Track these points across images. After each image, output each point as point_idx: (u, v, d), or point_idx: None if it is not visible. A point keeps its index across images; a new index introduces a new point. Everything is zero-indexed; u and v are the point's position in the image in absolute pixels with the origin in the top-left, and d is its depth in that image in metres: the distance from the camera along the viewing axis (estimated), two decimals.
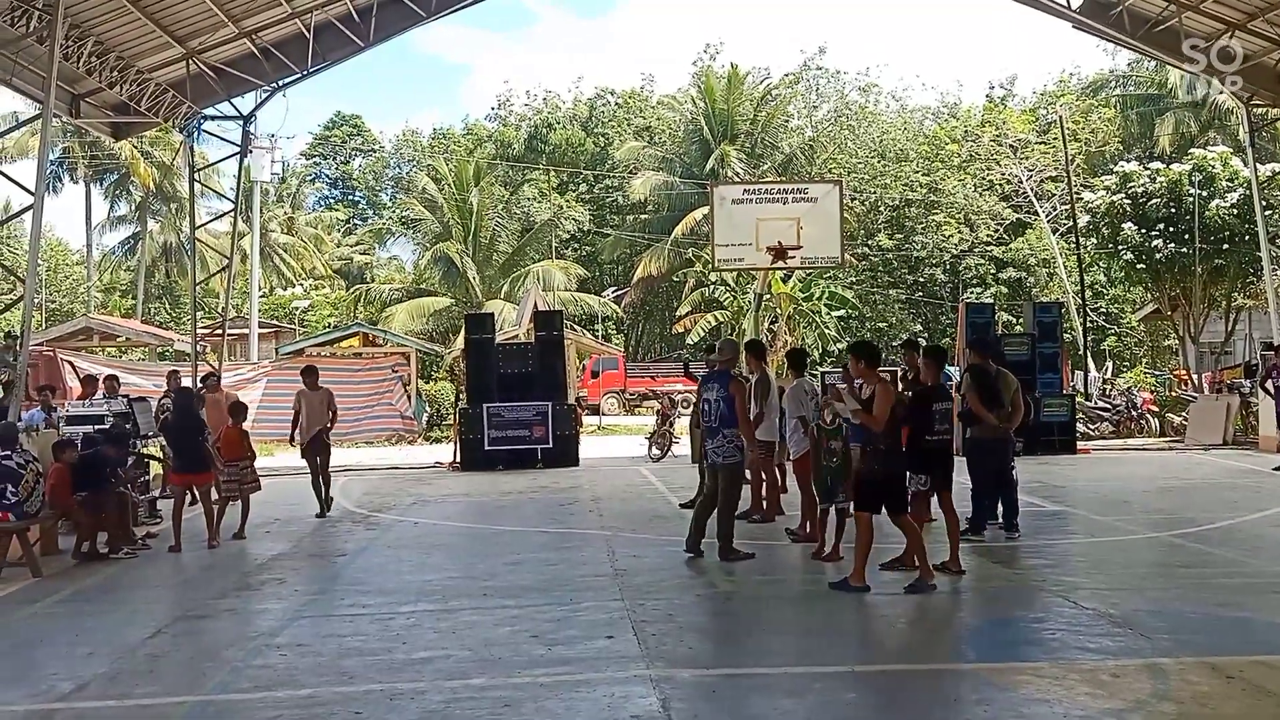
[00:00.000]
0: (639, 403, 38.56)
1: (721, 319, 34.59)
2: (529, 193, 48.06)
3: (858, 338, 41.39)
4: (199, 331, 19.27)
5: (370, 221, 63.29)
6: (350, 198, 67.62)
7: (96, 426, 10.89)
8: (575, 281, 40.12)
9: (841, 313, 34.73)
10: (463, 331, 21.69)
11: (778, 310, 31.61)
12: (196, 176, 19.87)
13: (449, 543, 9.97)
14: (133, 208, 47.76)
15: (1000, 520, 9.16)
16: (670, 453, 18.55)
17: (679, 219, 41.14)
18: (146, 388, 19.00)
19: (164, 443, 11.35)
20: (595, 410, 33.46)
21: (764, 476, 10.40)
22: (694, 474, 12.34)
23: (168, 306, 49.76)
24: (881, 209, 41.61)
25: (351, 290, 43.53)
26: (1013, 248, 39.01)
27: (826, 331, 32.19)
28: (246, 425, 11.28)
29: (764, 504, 10.42)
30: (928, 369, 8.09)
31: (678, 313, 39.37)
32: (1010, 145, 37.81)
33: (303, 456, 12.02)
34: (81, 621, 6.97)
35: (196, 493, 10.29)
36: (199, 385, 14.37)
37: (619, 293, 44.57)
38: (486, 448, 17.13)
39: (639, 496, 13.10)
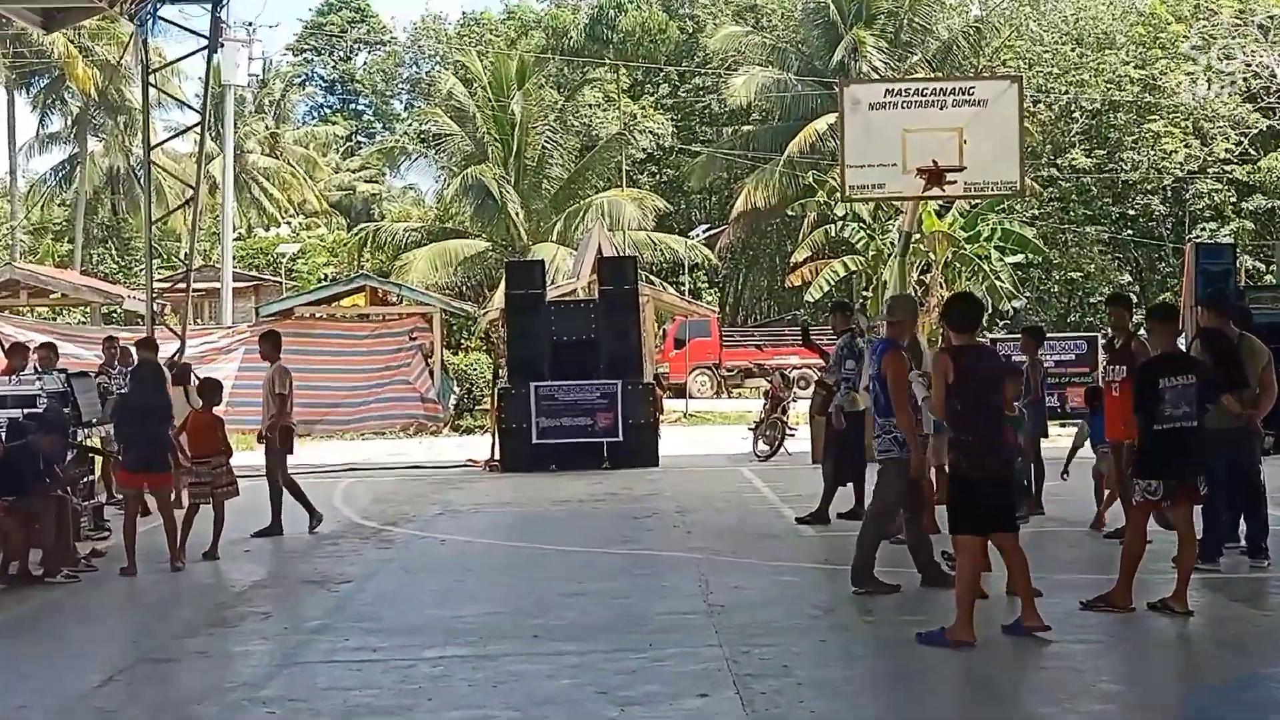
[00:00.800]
0: (739, 381, 38.57)
1: (853, 267, 34.34)
2: (591, 98, 48.27)
3: (1041, 291, 40.79)
4: (156, 285, 19.80)
5: (378, 139, 64.39)
6: (352, 107, 68.75)
7: (26, 410, 11.09)
8: (653, 218, 40.24)
9: (1019, 258, 34.15)
10: (502, 285, 21.83)
11: (931, 255, 31.19)
12: (151, 80, 20.36)
13: (486, 566, 10.11)
14: (69, 122, 48.84)
15: (1242, 543, 9.12)
16: (784, 449, 18.53)
17: (795, 132, 40.85)
18: (89, 359, 19.61)
19: (112, 431, 11.59)
20: (680, 391, 33.56)
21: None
22: (816, 478, 12.30)
23: (115, 253, 51.29)
24: (1076, 116, 40.64)
25: (355, 231, 44.38)
26: (1262, 167, 37.73)
27: (999, 284, 31.63)
28: (220, 410, 11.52)
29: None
30: (1159, 332, 8.00)
31: (792, 259, 39.16)
32: (1260, 24, 36.48)
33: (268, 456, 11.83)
34: (12, 665, 7.22)
35: (154, 499, 10.57)
36: (169, 365, 14.38)
37: (712, 232, 44.54)
38: (535, 441, 17.37)
39: (740, 508, 13.12)
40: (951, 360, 7.14)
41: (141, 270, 23.52)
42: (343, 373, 25.44)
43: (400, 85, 67.52)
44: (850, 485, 11.56)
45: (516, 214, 37.43)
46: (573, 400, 17.44)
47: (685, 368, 35.85)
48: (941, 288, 31.09)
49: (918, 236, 28.72)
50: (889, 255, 29.92)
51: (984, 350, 7.67)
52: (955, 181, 18.27)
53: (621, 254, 31.67)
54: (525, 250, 36.27)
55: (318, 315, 27.80)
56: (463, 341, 32.58)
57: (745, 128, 45.62)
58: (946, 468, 7.38)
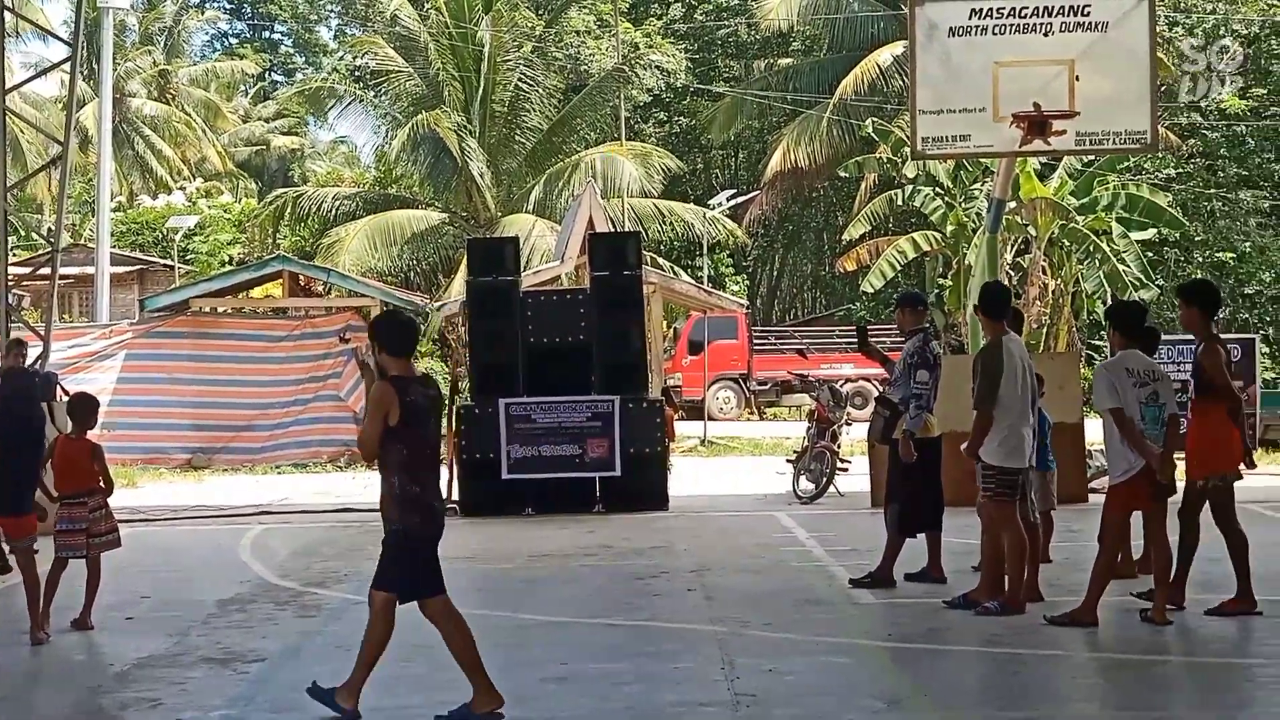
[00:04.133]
0: (775, 398, 38.66)
1: (926, 246, 34.41)
2: (580, 22, 48.39)
3: (1179, 277, 40.76)
4: (11, 271, 19.87)
5: (299, 78, 64.43)
6: (265, 36, 68.94)
7: None
8: (662, 181, 40.36)
9: (1149, 233, 34.10)
10: (463, 270, 21.81)
11: (1031, 231, 31.21)
12: (8, 2, 20.45)
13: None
14: None
15: None
16: (833, 488, 18.62)
17: (849, 66, 40.99)
18: None
19: None
20: (697, 411, 33.63)
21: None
22: (877, 527, 12.36)
23: None
24: (1227, 43, 40.60)
25: (270, 199, 44.44)
26: None
27: (1122, 269, 31.65)
28: (96, 434, 11.55)
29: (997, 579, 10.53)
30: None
31: (845, 236, 39.21)
32: None
33: None
34: None
35: (9, 548, 10.62)
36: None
37: (740, 201, 44.61)
38: (505, 477, 17.44)
39: (776, 566, 13.18)
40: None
41: None
42: (253, 386, 25.51)
43: (328, 6, 67.69)
44: (922, 537, 11.62)
45: (481, 176, 37.57)
46: (555, 422, 17.49)
47: (704, 380, 35.89)
48: (1045, 274, 31.19)
49: (1013, 206, 28.79)
50: (975, 231, 30.00)
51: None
52: (1064, 132, 18.28)
53: (619, 229, 31.76)
54: (493, 224, 36.42)
55: (221, 310, 27.86)
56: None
57: (783, 61, 45.85)
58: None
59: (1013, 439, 10.15)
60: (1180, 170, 39.77)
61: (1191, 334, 10.60)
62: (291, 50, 69.20)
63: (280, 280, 29.48)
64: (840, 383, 27.59)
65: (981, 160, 26.96)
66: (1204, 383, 10.00)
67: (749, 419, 37.47)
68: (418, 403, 7.63)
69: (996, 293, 10.83)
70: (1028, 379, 10.29)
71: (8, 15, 20.86)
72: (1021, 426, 10.18)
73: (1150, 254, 35.95)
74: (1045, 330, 32.02)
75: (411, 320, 8.35)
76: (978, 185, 32.18)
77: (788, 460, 19.82)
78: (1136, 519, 10.11)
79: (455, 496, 17.84)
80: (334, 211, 39.25)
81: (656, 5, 52.35)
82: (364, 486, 22.24)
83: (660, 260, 38.60)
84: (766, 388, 38.47)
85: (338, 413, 25.86)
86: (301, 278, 29.56)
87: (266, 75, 66.13)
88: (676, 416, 24.91)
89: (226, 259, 42.37)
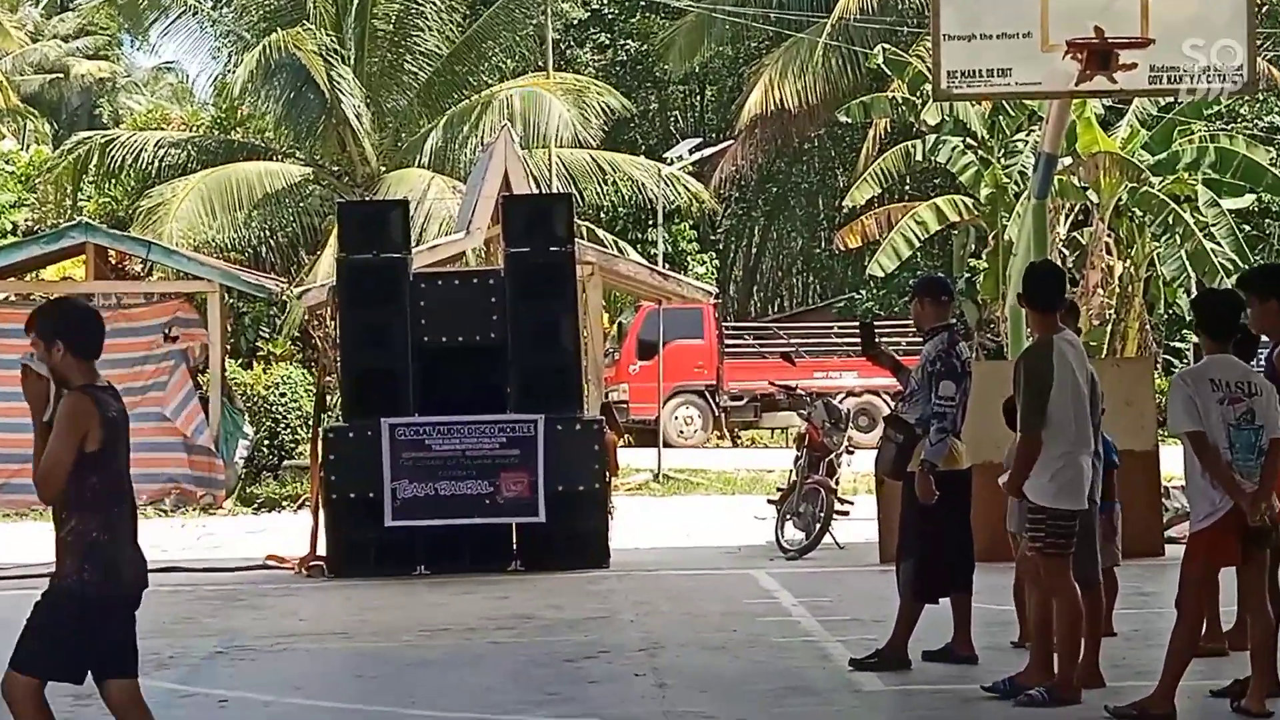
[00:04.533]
0: (754, 416, 38.67)
1: (954, 216, 34.59)
2: None
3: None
4: None
5: None
6: None
7: None
8: (602, 125, 40.36)
9: (1245, 200, 34.38)
10: (332, 243, 21.60)
11: (1092, 197, 31.41)
12: None
13: None
14: None
15: None
16: (830, 537, 18.71)
17: None
18: None
19: None
20: (650, 433, 33.65)
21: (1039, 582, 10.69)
22: (885, 589, 12.42)
23: None
24: None
25: (69, 145, 44.06)
26: None
27: (1212, 246, 31.94)
28: None
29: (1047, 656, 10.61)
30: None
31: (846, 201, 39.35)
32: None
33: None
34: None
35: None
36: None
37: (707, 153, 44.64)
38: (390, 522, 17.43)
39: (754, 642, 13.20)
40: None
41: None
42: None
43: None
44: (946, 602, 11.68)
45: (358, 117, 37.48)
46: (458, 450, 17.53)
47: (658, 393, 35.99)
48: (1110, 253, 31.40)
49: (1067, 163, 29.00)
50: (1017, 196, 30.20)
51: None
52: (1134, 66, 18.40)
53: (544, 189, 31.74)
54: (374, 183, 36.37)
55: (3, 297, 27.73)
56: (261, 345, 32.59)
57: None
58: None
59: (1068, 471, 10.11)
60: None
61: (1266, 333, 10.48)
62: None
63: (83, 257, 29.30)
64: (839, 397, 27.81)
65: (1026, 103, 27.18)
66: None
67: (718, 445, 37.60)
68: (117, 421, 7.71)
69: (1046, 276, 10.85)
70: (1088, 391, 10.29)
71: None
72: (1080, 455, 10.13)
73: (1248, 227, 36.34)
74: (1110, 328, 32.28)
75: (96, 310, 8.29)
76: (1021, 136, 32.49)
77: (769, 501, 19.90)
78: (1228, 577, 10.00)
79: (321, 550, 17.86)
80: (157, 164, 39.01)
81: None
82: (196, 537, 22.22)
83: (600, 233, 38.60)
84: (742, 403, 38.62)
85: (161, 437, 25.80)
86: (112, 254, 29.43)
87: None
88: (621, 442, 24.93)
89: (8, 227, 42.07)
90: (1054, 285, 10.58)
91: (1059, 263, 28.33)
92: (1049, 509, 10.10)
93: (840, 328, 40.19)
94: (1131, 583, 12.96)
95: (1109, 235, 31.56)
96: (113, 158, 39.83)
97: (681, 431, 37.15)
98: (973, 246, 38.02)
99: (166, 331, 26.12)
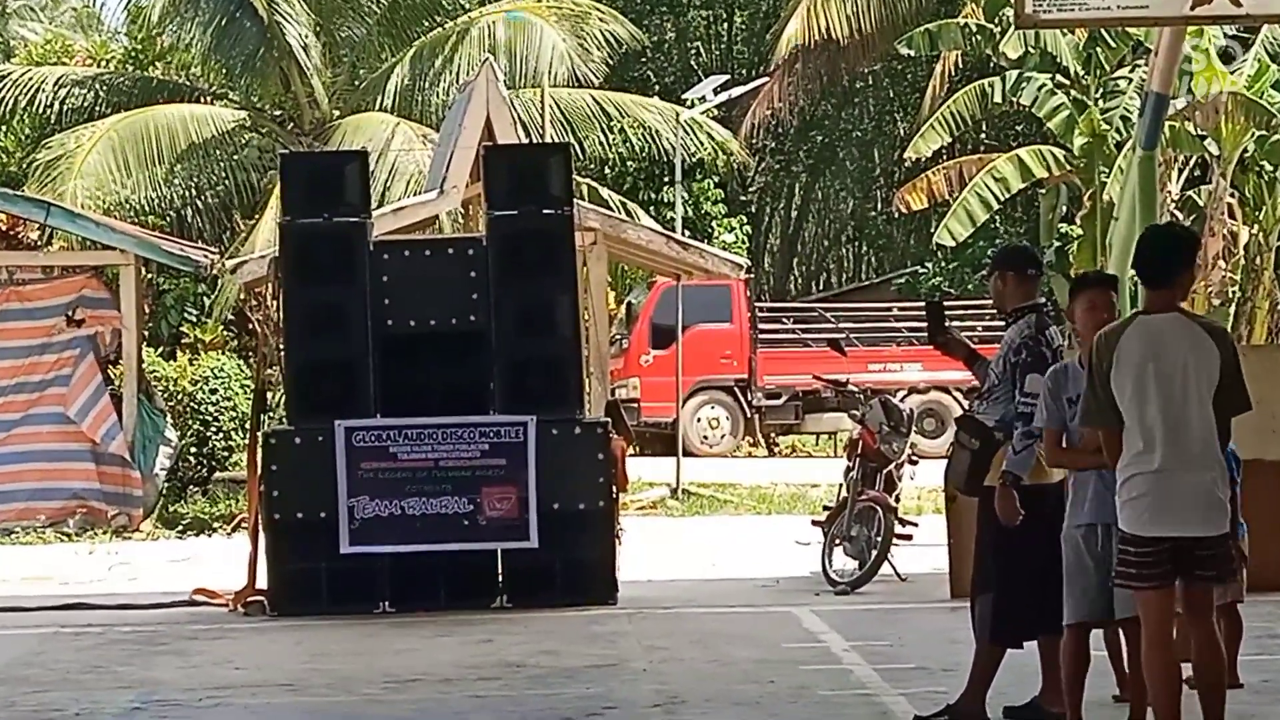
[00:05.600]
0: (794, 418, 38.62)
1: (1040, 171, 34.57)
2: None
3: None
4: None
5: None
6: None
7: None
8: (606, 59, 40.29)
9: None
10: (274, 204, 21.44)
11: (1212, 148, 31.38)
12: None
13: None
14: None
15: None
16: (888, 565, 18.75)
17: None
18: None
19: None
20: (667, 439, 33.71)
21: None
22: (956, 630, 12.43)
23: None
24: None
25: None
26: None
27: None
28: None
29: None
30: None
31: (906, 153, 39.42)
32: None
33: None
34: None
35: None
36: None
37: (735, 93, 44.58)
38: (347, 549, 17.47)
39: (794, 695, 13.20)
40: None
41: None
42: None
43: None
44: (1032, 646, 11.69)
45: (305, 49, 37.48)
46: (429, 460, 17.59)
47: (677, 390, 35.99)
48: (1233, 217, 31.37)
49: (1181, 106, 29.00)
50: (1120, 147, 30.18)
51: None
52: None
53: (535, 139, 31.72)
54: (326, 130, 36.37)
55: None
56: (187, 330, 32.63)
57: None
58: None
59: (1147, 487, 9.95)
60: None
61: None
62: None
63: None
64: (900, 394, 27.71)
65: (1130, 32, 27.19)
66: None
67: (750, 454, 37.64)
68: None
69: (1160, 244, 10.51)
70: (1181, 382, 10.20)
71: None
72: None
73: None
74: (1233, 308, 32.26)
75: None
76: (1124, 73, 32.48)
77: (814, 522, 19.88)
78: None
79: (261, 582, 17.86)
80: (58, 107, 39.07)
81: None
82: (108, 567, 22.21)
83: (605, 192, 38.58)
84: (779, 403, 38.62)
85: (63, 444, 25.82)
86: (3, 218, 29.46)
87: None
88: (631, 450, 24.88)
89: None
90: (1167, 255, 10.10)
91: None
92: (1128, 535, 10.06)
93: (901, 309, 40.22)
94: (1260, 622, 12.96)
95: (1232, 195, 31.56)
96: (2, 100, 39.89)
97: (705, 437, 37.21)
98: (1064, 209, 37.98)
99: (70, 314, 26.08)
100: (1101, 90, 32.85)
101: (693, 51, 51.07)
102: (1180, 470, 9.74)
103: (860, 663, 14.38)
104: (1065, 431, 10.53)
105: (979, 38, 34.18)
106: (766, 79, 45.43)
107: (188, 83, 40.39)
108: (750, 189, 50.37)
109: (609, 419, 19.50)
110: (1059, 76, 32.83)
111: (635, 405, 35.74)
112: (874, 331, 39.36)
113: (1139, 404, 9.76)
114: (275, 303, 20.33)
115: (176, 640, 16.50)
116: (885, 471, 18.97)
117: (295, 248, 18.48)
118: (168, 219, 36.44)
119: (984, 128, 37.95)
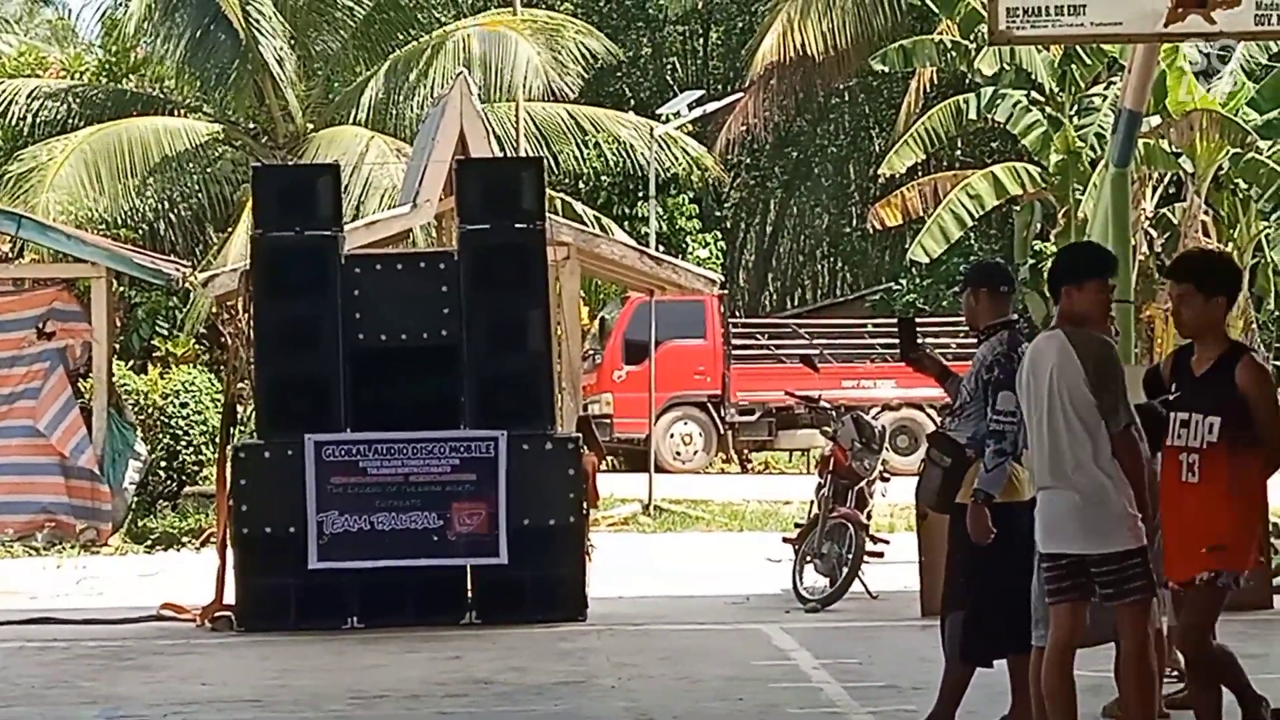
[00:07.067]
0: (767, 434, 38.60)
1: (1015, 188, 34.60)
2: None
3: None
4: None
5: None
6: None
7: None
8: (582, 72, 40.28)
9: None
10: (246, 218, 21.43)
11: (1186, 165, 31.39)
12: None
13: None
14: None
15: None
16: (859, 582, 18.74)
17: None
18: None
19: None
20: (639, 455, 33.63)
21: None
22: (926, 648, 12.40)
23: None
24: None
25: None
26: None
27: None
28: None
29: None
30: None
31: (883, 169, 39.44)
32: None
33: None
34: None
35: None
36: None
37: (711, 108, 44.58)
38: (315, 564, 17.45)
39: (764, 714, 13.21)
40: None
41: None
42: None
43: None
44: (1003, 664, 11.66)
45: (280, 63, 37.47)
46: (399, 475, 17.57)
47: (649, 406, 35.98)
48: (1206, 232, 31.39)
49: (1155, 123, 29.02)
50: (1094, 164, 30.20)
51: None
52: (1237, 2, 18.48)
53: (509, 153, 31.71)
54: (299, 143, 36.35)
55: None
56: (158, 344, 32.56)
57: None
58: None
59: (1039, 504, 10.24)
60: None
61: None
62: None
63: None
64: (873, 411, 27.63)
65: (1105, 49, 27.21)
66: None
67: (723, 470, 37.63)
68: None
69: (1059, 258, 10.92)
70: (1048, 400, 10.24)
71: None
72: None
73: None
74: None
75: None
76: (1099, 90, 32.52)
77: (785, 539, 19.89)
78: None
79: (229, 597, 17.80)
80: (30, 119, 39.02)
81: None
82: (76, 581, 22.14)
83: (578, 207, 38.60)
84: (752, 419, 38.60)
85: (32, 457, 25.76)
86: None
87: None
88: (602, 466, 24.87)
89: None
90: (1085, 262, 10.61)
91: (1147, 245, 28.46)
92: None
93: (874, 325, 40.21)
94: (1232, 641, 12.89)
95: (1206, 212, 31.60)
96: None
97: (678, 453, 37.19)
98: (1038, 226, 37.98)
99: (40, 326, 26.02)
100: (1076, 107, 32.93)
101: (668, 66, 51.15)
102: (1057, 488, 10.03)
103: (830, 680, 14.38)
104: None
105: (954, 54, 34.23)
106: (742, 94, 45.52)
107: (162, 95, 40.36)
108: (725, 204, 50.47)
109: (580, 434, 19.53)
110: (1034, 93, 32.91)
111: (608, 421, 35.72)
112: (847, 348, 39.41)
113: (1028, 423, 10.16)
114: (246, 316, 20.30)
115: (143, 655, 16.47)
116: (857, 488, 18.97)
117: (267, 261, 18.45)
118: (140, 232, 36.38)
119: (959, 144, 38.01)
